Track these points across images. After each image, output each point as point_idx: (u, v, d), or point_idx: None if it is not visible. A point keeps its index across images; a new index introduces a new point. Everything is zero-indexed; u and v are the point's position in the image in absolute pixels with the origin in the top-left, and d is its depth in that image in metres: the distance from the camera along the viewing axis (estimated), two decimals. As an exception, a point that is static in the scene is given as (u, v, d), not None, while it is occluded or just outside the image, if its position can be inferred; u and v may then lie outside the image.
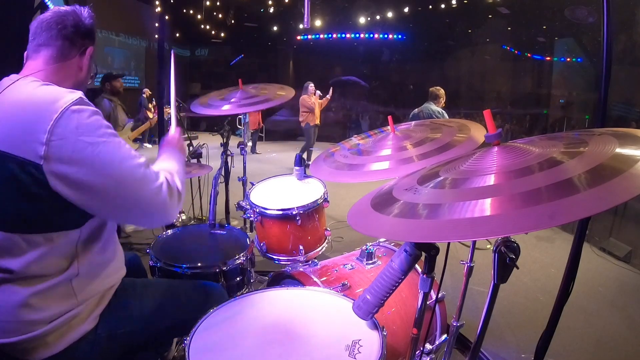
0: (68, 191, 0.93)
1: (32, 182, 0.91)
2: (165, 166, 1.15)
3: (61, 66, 1.06)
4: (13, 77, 1.02)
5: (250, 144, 9.39)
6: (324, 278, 1.52)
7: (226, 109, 2.19)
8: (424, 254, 0.90)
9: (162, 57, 3.07)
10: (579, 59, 9.56)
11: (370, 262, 1.64)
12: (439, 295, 1.57)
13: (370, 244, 1.74)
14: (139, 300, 1.21)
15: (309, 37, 12.99)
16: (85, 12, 1.10)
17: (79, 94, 0.97)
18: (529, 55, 11.34)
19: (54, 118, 0.90)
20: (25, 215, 0.95)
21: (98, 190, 0.94)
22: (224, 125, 2.62)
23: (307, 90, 7.08)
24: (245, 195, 2.17)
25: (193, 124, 12.36)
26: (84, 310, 1.06)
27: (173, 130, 1.36)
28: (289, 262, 1.98)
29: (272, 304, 1.21)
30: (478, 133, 1.28)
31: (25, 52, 1.08)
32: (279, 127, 11.89)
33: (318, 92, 7.17)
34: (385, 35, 12.40)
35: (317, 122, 7.23)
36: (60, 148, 0.90)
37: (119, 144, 0.97)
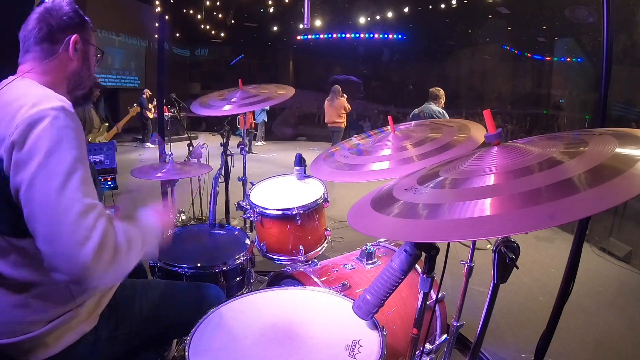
0: (14, 192, 0.87)
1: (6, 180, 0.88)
2: (129, 228, 0.98)
3: (48, 65, 1.04)
4: (10, 78, 1.02)
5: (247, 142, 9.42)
6: (324, 278, 1.52)
7: (227, 109, 2.19)
8: (424, 254, 0.90)
9: (162, 57, 3.08)
10: (579, 59, 9.56)
11: (370, 262, 1.64)
12: (439, 295, 1.57)
13: (370, 244, 1.74)
14: (139, 300, 1.20)
15: (309, 37, 12.99)
16: (64, 4, 1.05)
17: (64, 103, 0.92)
18: (529, 55, 11.36)
19: (26, 116, 0.87)
20: (7, 217, 0.91)
21: (28, 203, 0.84)
22: (224, 125, 2.61)
23: (338, 93, 7.34)
24: (245, 195, 2.17)
25: (193, 124, 12.36)
26: (83, 311, 1.05)
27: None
28: (289, 262, 1.98)
29: (272, 304, 1.21)
30: (478, 133, 1.28)
31: (19, 60, 1.07)
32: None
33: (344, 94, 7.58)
34: (385, 35, 12.41)
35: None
36: (19, 144, 0.85)
37: (74, 169, 0.86)
